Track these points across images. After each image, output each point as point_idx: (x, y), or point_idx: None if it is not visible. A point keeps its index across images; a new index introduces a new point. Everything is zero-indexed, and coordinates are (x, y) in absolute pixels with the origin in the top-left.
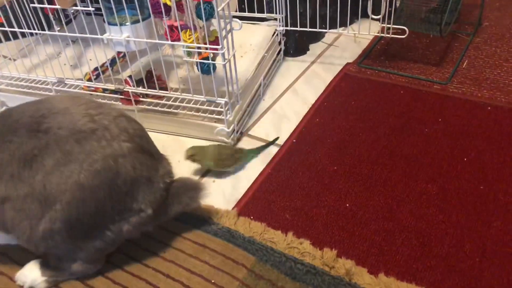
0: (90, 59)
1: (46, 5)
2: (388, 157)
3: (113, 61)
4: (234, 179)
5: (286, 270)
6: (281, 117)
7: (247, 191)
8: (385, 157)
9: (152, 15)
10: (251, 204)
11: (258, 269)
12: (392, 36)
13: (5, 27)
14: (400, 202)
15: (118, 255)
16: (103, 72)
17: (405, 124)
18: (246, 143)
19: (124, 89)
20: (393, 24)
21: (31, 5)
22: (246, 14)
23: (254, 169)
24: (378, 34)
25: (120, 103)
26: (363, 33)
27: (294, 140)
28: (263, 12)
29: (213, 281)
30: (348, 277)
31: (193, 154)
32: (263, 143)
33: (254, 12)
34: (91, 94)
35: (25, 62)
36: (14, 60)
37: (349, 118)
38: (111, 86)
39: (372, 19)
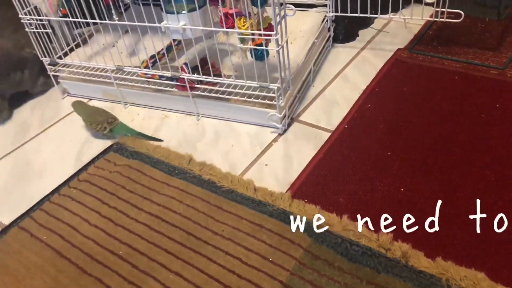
0: (145, 47)
1: None
2: (443, 143)
3: (168, 49)
4: (286, 163)
5: (342, 251)
6: (331, 103)
7: (300, 174)
8: (440, 143)
9: (207, 3)
10: (305, 187)
11: (314, 250)
12: (446, 20)
13: (68, 17)
14: (456, 188)
15: (179, 231)
16: (160, 59)
17: (460, 110)
18: (296, 129)
19: (180, 76)
20: (448, 8)
21: None
22: (296, 0)
23: (305, 153)
24: (431, 19)
25: (176, 89)
26: (416, 17)
27: (346, 126)
28: None
29: (270, 259)
30: (404, 259)
31: (75, 107)
32: (142, 134)
33: None
34: (148, 81)
35: (85, 50)
36: (73, 49)
37: (401, 104)
38: (167, 73)
39: (426, 4)
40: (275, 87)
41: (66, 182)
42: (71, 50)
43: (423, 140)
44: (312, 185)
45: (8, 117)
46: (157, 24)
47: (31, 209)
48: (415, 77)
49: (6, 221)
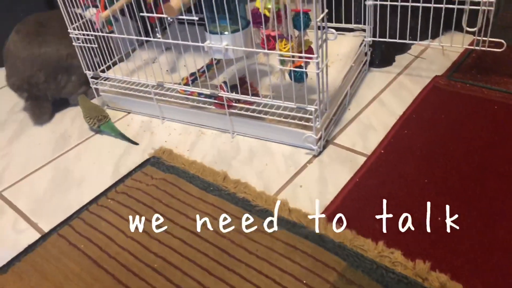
0: (185, 65)
1: (154, 14)
2: (481, 172)
3: (208, 67)
4: (321, 185)
5: (377, 277)
6: (367, 127)
7: (335, 197)
8: (478, 173)
9: (250, 25)
10: (340, 211)
11: (349, 274)
12: (487, 49)
13: (114, 33)
14: (496, 219)
15: (213, 248)
16: (199, 77)
17: (500, 140)
18: (331, 151)
19: (219, 94)
20: (490, 36)
21: (141, 14)
22: (334, 24)
23: (340, 176)
24: (471, 47)
25: (213, 107)
26: (456, 45)
27: (382, 151)
28: (350, 23)
29: (304, 281)
30: None
31: (79, 100)
32: (122, 136)
33: (341, 23)
34: (186, 98)
35: (125, 65)
36: (114, 64)
37: (439, 131)
38: (206, 91)
39: (467, 32)
40: (313, 109)
41: (104, 193)
42: (114, 64)
43: (461, 169)
44: (348, 209)
45: (48, 120)
46: (200, 44)
47: (70, 218)
48: (453, 105)
49: (46, 228)
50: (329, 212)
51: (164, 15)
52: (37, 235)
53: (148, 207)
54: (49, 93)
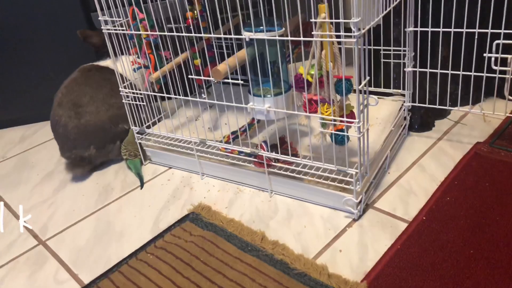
0: (226, 123)
1: (202, 77)
2: None
3: (249, 126)
4: (361, 251)
5: None
6: (407, 192)
7: (376, 264)
8: None
9: (293, 89)
10: (381, 279)
11: None
12: None
13: (163, 92)
14: None
15: None
16: (240, 135)
17: None
18: (371, 215)
19: (259, 153)
20: None
21: (189, 76)
22: (372, 88)
23: (381, 242)
24: None
25: (253, 165)
26: (498, 113)
27: (424, 217)
28: (389, 87)
29: None
30: None
31: (130, 131)
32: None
33: (380, 87)
34: (227, 155)
35: (170, 122)
36: (155, 121)
37: (483, 199)
38: (247, 150)
39: (510, 100)
40: (353, 172)
41: (143, 247)
42: (159, 120)
43: (509, 241)
44: (389, 277)
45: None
46: (243, 105)
47: (110, 271)
48: (497, 173)
49: (86, 280)
50: (370, 279)
51: (211, 78)
52: (77, 287)
53: (185, 264)
54: (98, 160)
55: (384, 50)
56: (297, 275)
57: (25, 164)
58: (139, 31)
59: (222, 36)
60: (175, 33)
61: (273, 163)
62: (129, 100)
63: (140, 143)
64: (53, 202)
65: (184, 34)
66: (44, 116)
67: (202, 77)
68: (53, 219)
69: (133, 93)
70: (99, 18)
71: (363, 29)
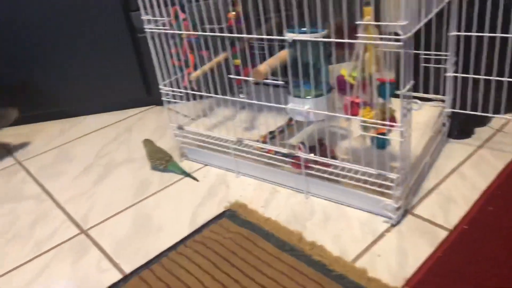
0: (262, 123)
1: (242, 77)
2: None
3: (286, 126)
4: (400, 257)
5: None
6: (447, 199)
7: (417, 271)
8: None
9: (335, 91)
10: (422, 286)
11: None
12: None
13: (201, 91)
14: None
15: None
16: (277, 135)
17: None
18: (410, 222)
19: (296, 154)
20: None
21: (229, 76)
22: (411, 93)
23: (421, 249)
24: None
25: (289, 166)
26: None
27: (466, 226)
28: (428, 92)
29: None
30: None
31: (144, 143)
32: (185, 173)
33: (419, 92)
34: (263, 155)
35: (207, 120)
36: (193, 119)
37: None
38: (285, 150)
39: None
40: (395, 177)
41: (182, 241)
42: (196, 118)
43: None
44: (431, 285)
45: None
46: (283, 106)
47: (150, 262)
48: None
49: (127, 269)
50: (411, 286)
51: (251, 78)
52: (118, 276)
53: (224, 259)
54: None
55: (425, 54)
56: (336, 277)
57: (65, 156)
58: (181, 30)
59: (264, 37)
60: (217, 34)
61: (310, 165)
62: (168, 98)
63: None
64: (92, 194)
65: (226, 34)
66: (81, 112)
67: (241, 77)
68: (93, 210)
69: (173, 91)
70: (142, 17)
71: (410, 32)
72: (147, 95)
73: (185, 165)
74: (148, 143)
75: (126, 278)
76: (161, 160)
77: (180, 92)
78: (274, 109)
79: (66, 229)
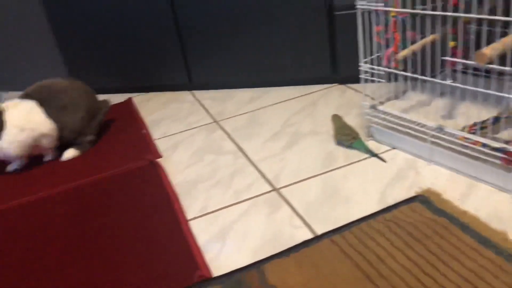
0: (463, 112)
1: (460, 60)
2: None
3: (496, 119)
4: None
5: None
6: None
7: None
8: None
9: None
10: None
11: None
12: None
13: (405, 71)
14: None
15: None
16: (484, 127)
17: None
18: None
19: (510, 150)
20: None
21: (443, 58)
22: None
23: None
24: None
25: (499, 162)
26: None
27: None
28: None
29: None
30: None
31: (332, 118)
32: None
33: None
34: (464, 146)
35: (399, 103)
36: (381, 102)
37: None
38: (495, 143)
39: None
40: None
41: (373, 215)
42: (388, 99)
43: None
44: None
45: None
46: (504, 94)
47: (341, 228)
48: None
49: (318, 231)
50: None
51: (472, 62)
52: (309, 234)
53: (417, 241)
54: None
55: None
56: None
57: (255, 121)
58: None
59: (491, 18)
60: (439, 12)
61: None
62: (367, 76)
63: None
64: (282, 158)
65: (449, 13)
66: (268, 83)
67: (460, 60)
68: (283, 172)
69: (372, 69)
70: None
71: None
72: (332, 73)
73: (371, 145)
74: (336, 118)
75: (318, 237)
76: (348, 136)
77: (382, 71)
78: (478, 99)
79: (260, 185)
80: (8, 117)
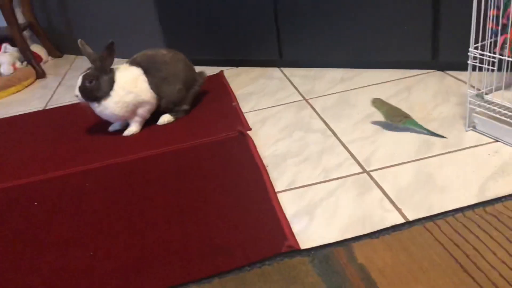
0: None
1: None
2: None
3: None
4: None
5: None
6: None
7: None
8: None
9: None
10: None
11: None
12: None
13: None
14: None
15: None
16: None
17: None
18: None
19: None
20: None
21: None
22: None
23: None
24: None
25: None
26: None
27: None
28: None
29: None
30: None
31: (375, 102)
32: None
33: None
34: None
35: (505, 94)
36: (488, 92)
37: None
38: None
39: None
40: None
41: (471, 207)
42: (496, 89)
43: None
44: None
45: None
46: None
47: (434, 217)
48: None
49: (410, 216)
50: None
51: None
52: (400, 219)
53: None
54: None
55: None
56: None
57: (346, 102)
58: None
59: None
60: None
61: None
62: (475, 62)
63: (472, 109)
64: (373, 141)
65: None
66: (360, 64)
67: None
68: (374, 155)
69: (482, 55)
70: None
71: None
72: (431, 59)
73: (471, 135)
74: (379, 101)
75: (410, 223)
76: (399, 117)
77: (494, 58)
78: None
79: (349, 166)
80: (118, 78)
